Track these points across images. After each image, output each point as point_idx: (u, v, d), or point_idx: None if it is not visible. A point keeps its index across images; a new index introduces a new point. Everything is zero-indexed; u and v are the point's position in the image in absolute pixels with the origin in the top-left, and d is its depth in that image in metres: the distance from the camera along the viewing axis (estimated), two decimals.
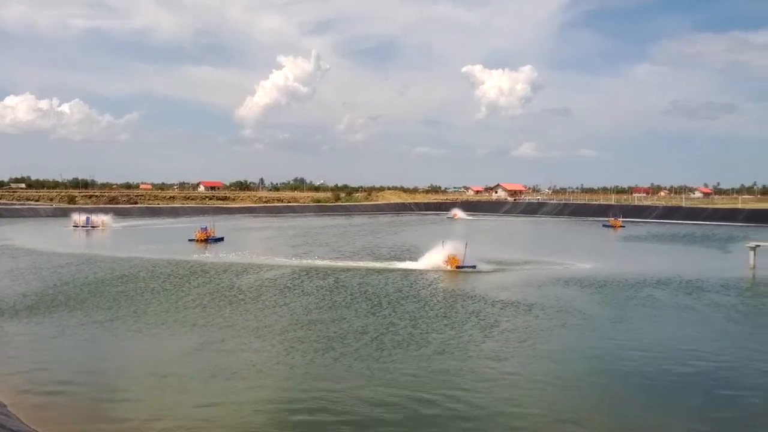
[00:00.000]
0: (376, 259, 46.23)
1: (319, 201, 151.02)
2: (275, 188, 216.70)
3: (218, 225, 71.89)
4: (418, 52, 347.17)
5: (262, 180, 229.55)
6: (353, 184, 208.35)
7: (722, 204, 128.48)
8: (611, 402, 16.13)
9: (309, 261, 44.09)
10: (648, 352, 20.70)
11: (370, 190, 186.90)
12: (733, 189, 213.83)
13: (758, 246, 43.09)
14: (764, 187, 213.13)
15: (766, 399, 16.20)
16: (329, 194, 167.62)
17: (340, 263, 42.96)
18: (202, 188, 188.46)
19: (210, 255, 48.99)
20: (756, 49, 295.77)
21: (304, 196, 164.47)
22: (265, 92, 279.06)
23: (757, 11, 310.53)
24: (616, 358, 20.16)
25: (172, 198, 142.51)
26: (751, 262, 41.94)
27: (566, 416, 14.94)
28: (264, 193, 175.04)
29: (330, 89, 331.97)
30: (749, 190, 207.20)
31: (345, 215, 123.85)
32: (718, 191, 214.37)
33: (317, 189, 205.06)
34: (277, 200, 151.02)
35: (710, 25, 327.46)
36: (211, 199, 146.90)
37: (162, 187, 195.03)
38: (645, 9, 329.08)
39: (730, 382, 17.64)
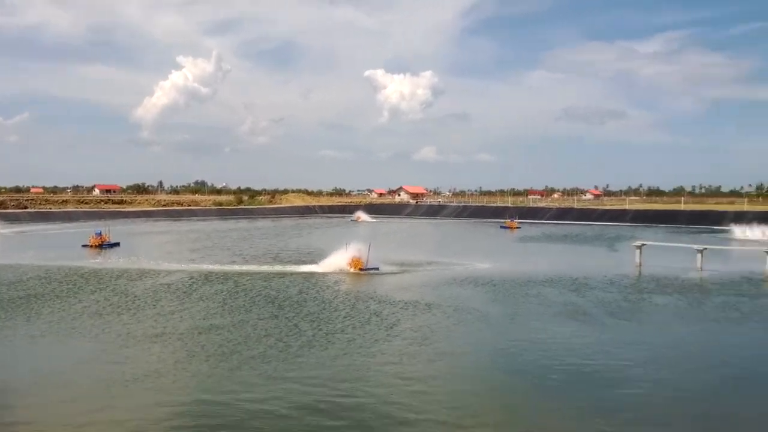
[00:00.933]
0: (280, 262, 46.09)
1: (220, 204, 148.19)
2: (175, 191, 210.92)
3: (114, 230, 69.35)
4: (320, 55, 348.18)
5: (161, 183, 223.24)
6: (256, 186, 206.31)
7: (611, 205, 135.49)
8: (509, 397, 16.90)
9: (210, 266, 43.39)
10: (539, 346, 21.80)
11: (274, 193, 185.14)
12: (621, 191, 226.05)
13: (643, 245, 45.94)
14: (649, 189, 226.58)
15: (642, 388, 17.39)
16: (231, 197, 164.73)
17: (242, 267, 42.56)
18: (97, 191, 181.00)
19: (105, 260, 47.38)
20: (642, 58, 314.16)
21: (206, 200, 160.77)
22: (163, 93, 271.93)
23: (642, 22, 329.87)
24: (511, 353, 21.14)
25: (65, 202, 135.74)
26: (637, 260, 44.62)
27: (467, 411, 15.58)
28: (163, 196, 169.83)
29: (231, 90, 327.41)
30: (636, 192, 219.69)
31: (248, 218, 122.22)
32: (608, 193, 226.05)
33: (219, 192, 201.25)
34: (177, 203, 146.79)
35: (599, 35, 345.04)
36: (106, 202, 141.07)
37: (54, 190, 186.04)
38: (538, 17, 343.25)
39: (611, 374, 18.86)
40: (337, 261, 41.34)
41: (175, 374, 18.31)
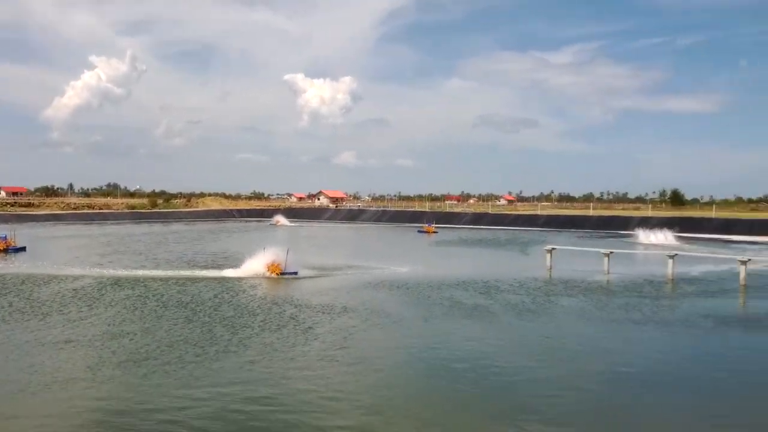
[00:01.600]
0: (196, 267, 45.27)
1: (134, 207, 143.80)
2: (86, 194, 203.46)
3: (20, 233, 66.28)
4: (238, 58, 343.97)
5: (71, 185, 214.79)
6: (172, 190, 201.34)
7: (524, 210, 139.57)
8: (422, 400, 17.25)
9: (122, 271, 42.17)
10: (450, 349, 22.42)
11: (190, 197, 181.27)
12: (533, 197, 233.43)
13: (554, 249, 47.66)
14: (560, 195, 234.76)
15: (547, 388, 18.19)
16: (145, 201, 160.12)
17: (156, 272, 41.59)
18: (2, 194, 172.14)
19: (9, 265, 45.31)
20: (554, 68, 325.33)
21: (118, 203, 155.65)
22: (75, 93, 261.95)
23: (553, 34, 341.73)
24: (424, 356, 21.66)
25: None
26: (548, 263, 46.26)
27: (382, 416, 15.88)
28: (73, 199, 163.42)
29: (147, 92, 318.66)
30: (547, 198, 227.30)
31: (163, 222, 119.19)
32: (521, 199, 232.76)
33: (132, 195, 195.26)
34: (88, 207, 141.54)
35: (512, 45, 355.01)
36: (12, 205, 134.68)
37: None
38: (454, 26, 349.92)
39: (518, 374, 19.60)
40: (255, 265, 40.99)
41: (86, 381, 17.86)
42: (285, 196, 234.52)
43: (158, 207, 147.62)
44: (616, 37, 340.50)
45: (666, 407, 16.51)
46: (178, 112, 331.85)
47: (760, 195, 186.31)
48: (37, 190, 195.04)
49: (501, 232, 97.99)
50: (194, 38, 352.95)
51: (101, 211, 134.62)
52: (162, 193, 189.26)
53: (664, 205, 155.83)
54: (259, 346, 22.08)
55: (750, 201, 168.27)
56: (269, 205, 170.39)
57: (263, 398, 16.62)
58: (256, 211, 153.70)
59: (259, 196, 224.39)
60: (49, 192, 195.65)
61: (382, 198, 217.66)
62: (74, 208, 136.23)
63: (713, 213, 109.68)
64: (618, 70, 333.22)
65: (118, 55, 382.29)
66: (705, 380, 19.38)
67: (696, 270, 45.11)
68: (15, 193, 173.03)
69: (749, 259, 40.33)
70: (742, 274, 38.57)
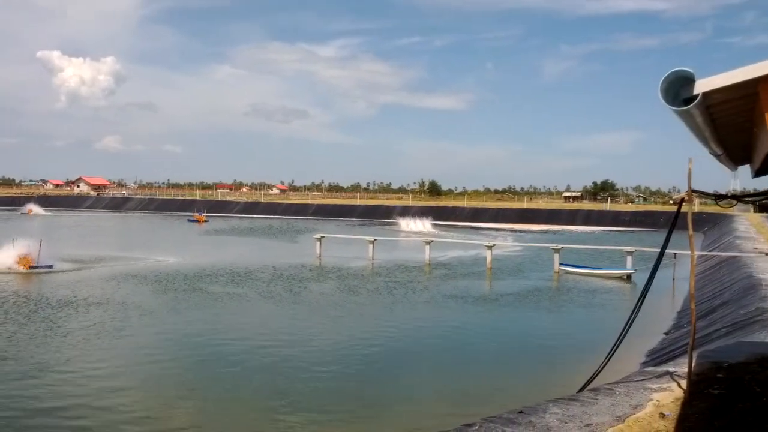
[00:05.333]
0: None
1: None
2: None
3: None
4: None
5: None
6: None
7: (296, 200, 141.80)
8: (176, 390, 17.03)
9: None
10: (224, 339, 22.60)
11: None
12: (305, 186, 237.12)
13: (323, 237, 49.37)
14: (330, 185, 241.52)
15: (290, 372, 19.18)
16: None
17: None
18: None
19: None
20: (321, 61, 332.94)
21: None
22: None
23: (320, 27, 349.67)
24: (197, 345, 21.61)
25: None
26: (318, 251, 47.82)
27: (146, 407, 15.69)
28: None
29: None
30: (318, 188, 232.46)
31: None
32: (293, 188, 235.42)
33: None
34: None
35: (281, 36, 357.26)
36: None
37: None
38: (220, 12, 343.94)
39: (291, 359, 20.36)
40: (3, 259, 37.45)
41: None
42: (39, 183, 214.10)
43: None
44: (380, 35, 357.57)
45: (399, 375, 18.32)
46: None
47: (505, 186, 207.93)
48: None
49: (273, 220, 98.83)
50: None
51: None
52: None
53: (423, 195, 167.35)
54: (3, 348, 20.43)
55: (496, 192, 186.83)
56: (20, 193, 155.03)
57: (7, 406, 15.56)
58: (5, 198, 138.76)
59: (8, 183, 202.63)
60: None
61: (149, 186, 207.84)
62: None
63: (465, 203, 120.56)
64: (381, 67, 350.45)
65: None
66: (439, 350, 21.65)
67: (450, 255, 49.51)
68: None
69: (494, 245, 45.23)
70: (489, 258, 43.11)
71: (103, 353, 20.26)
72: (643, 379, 10.16)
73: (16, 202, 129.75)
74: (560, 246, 43.34)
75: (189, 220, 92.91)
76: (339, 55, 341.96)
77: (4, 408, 14.99)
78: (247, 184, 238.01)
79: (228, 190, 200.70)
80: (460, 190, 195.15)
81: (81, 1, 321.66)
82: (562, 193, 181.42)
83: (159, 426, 14.37)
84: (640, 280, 34.67)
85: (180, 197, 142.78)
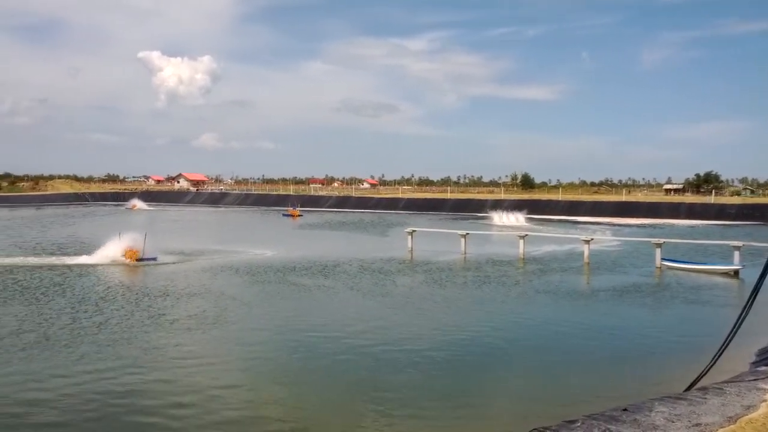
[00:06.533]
0: (47, 253, 42.88)
1: None
2: None
3: None
4: (87, 32, 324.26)
5: None
6: (17, 172, 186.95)
7: (386, 194, 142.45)
8: (293, 380, 17.42)
9: None
10: (317, 331, 22.93)
11: (38, 179, 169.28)
12: (395, 180, 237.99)
13: (414, 231, 49.39)
14: (420, 179, 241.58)
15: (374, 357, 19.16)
16: None
17: (2, 260, 38.91)
18: None
19: None
20: (410, 55, 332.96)
21: None
22: None
23: (409, 21, 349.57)
24: (291, 337, 22.05)
25: None
26: (409, 245, 47.87)
27: (242, 396, 16.12)
28: None
29: None
30: (408, 182, 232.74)
31: (8, 207, 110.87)
32: (383, 182, 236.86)
33: None
34: None
35: (371, 31, 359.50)
36: None
37: None
38: (313, 9, 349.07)
39: (381, 351, 20.43)
40: (111, 252, 39.43)
41: None
42: (142, 179, 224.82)
43: (2, 191, 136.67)
44: (470, 26, 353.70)
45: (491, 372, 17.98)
46: (21, 89, 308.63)
47: (602, 179, 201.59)
48: None
49: (365, 215, 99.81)
50: (35, 10, 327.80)
51: None
52: (6, 176, 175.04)
53: (515, 188, 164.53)
54: (112, 333, 21.48)
55: (592, 184, 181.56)
56: (125, 189, 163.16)
57: (118, 385, 16.33)
58: (111, 194, 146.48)
59: (113, 179, 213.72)
60: None
61: (245, 181, 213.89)
62: None
63: (560, 196, 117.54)
64: (471, 59, 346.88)
65: None
66: (532, 346, 21.13)
67: (544, 249, 48.47)
68: None
69: (592, 239, 43.94)
70: (586, 253, 41.92)
71: (202, 342, 21.03)
72: (755, 379, 9.56)
73: (121, 197, 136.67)
74: (662, 240, 41.59)
75: (283, 215, 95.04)
76: (429, 48, 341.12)
77: (111, 391, 15.79)
78: (338, 179, 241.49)
79: (320, 185, 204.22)
80: (554, 182, 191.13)
81: (179, 2, 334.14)
82: (662, 185, 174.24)
83: (254, 414, 14.72)
84: (749, 276, 32.80)
85: (274, 192, 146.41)
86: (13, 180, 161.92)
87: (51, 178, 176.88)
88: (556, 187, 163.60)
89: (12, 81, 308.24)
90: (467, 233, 47.83)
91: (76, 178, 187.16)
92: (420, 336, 22.02)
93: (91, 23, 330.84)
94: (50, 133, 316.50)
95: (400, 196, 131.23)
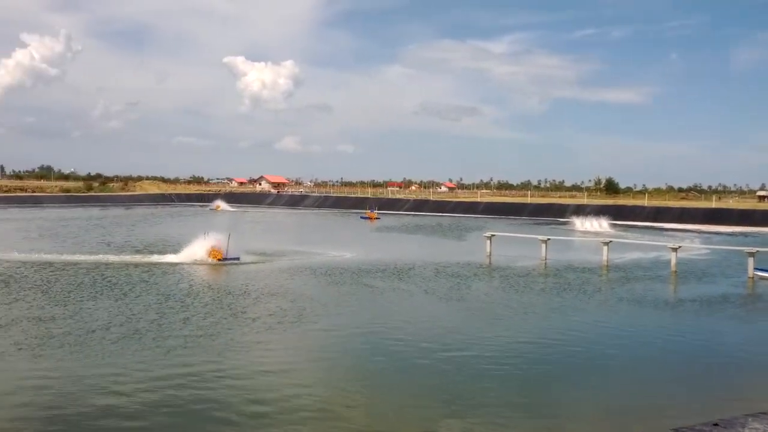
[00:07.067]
0: (135, 252, 44.68)
1: (69, 191, 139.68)
2: (18, 176, 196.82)
3: None
4: (175, 39, 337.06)
5: (2, 167, 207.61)
6: (108, 173, 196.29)
7: (464, 198, 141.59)
8: (368, 383, 17.61)
9: (60, 255, 41.14)
10: (392, 333, 22.96)
11: (127, 180, 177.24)
12: (474, 184, 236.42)
13: (493, 235, 48.78)
14: (499, 182, 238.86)
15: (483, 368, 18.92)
16: (81, 184, 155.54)
17: (94, 257, 40.78)
18: None
19: None
20: (492, 57, 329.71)
21: (52, 186, 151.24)
22: (7, 72, 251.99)
23: (492, 23, 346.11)
24: (367, 339, 22.16)
25: None
26: (488, 249, 47.33)
27: (327, 395, 16.28)
28: (4, 182, 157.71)
29: (82, 72, 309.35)
30: (487, 186, 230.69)
31: (99, 206, 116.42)
32: (461, 186, 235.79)
33: (66, 178, 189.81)
34: (20, 189, 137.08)
35: (452, 33, 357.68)
36: None
37: None
38: (393, 13, 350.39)
39: (466, 354, 20.23)
40: (195, 251, 40.62)
41: (21, 368, 17.71)
42: (225, 181, 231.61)
43: (94, 190, 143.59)
44: (553, 28, 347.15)
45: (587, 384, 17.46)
46: (114, 94, 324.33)
47: (690, 184, 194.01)
48: None
49: (442, 218, 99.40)
50: (129, 17, 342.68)
51: (34, 194, 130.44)
52: (98, 177, 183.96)
53: (598, 193, 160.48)
54: (197, 329, 22.12)
55: (680, 190, 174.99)
56: (209, 190, 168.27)
57: (200, 379, 16.81)
58: (196, 195, 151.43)
59: (198, 181, 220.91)
60: None
61: (324, 184, 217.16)
62: (6, 191, 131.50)
63: (645, 201, 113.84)
64: (554, 61, 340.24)
65: (51, 34, 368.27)
66: (623, 357, 20.44)
67: (628, 256, 46.94)
68: None
69: (680, 246, 42.30)
70: (673, 261, 40.36)
71: (282, 341, 21.42)
72: None
73: (205, 198, 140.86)
74: (755, 249, 39.59)
75: (361, 217, 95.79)
76: (511, 51, 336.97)
77: (194, 384, 16.28)
78: (416, 182, 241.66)
79: (397, 188, 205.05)
80: (639, 188, 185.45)
81: (262, 7, 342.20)
82: (755, 191, 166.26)
83: (329, 414, 14.85)
84: None
85: (353, 195, 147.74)
86: (104, 180, 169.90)
87: (139, 179, 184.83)
88: (641, 192, 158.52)
89: (105, 86, 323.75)
90: (548, 238, 46.89)
91: (163, 180, 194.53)
92: (496, 343, 21.67)
93: (179, 29, 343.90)
94: (139, 136, 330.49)
95: (478, 199, 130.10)
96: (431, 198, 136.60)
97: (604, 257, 43.09)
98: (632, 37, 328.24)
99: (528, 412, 15.32)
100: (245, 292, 29.86)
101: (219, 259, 39.53)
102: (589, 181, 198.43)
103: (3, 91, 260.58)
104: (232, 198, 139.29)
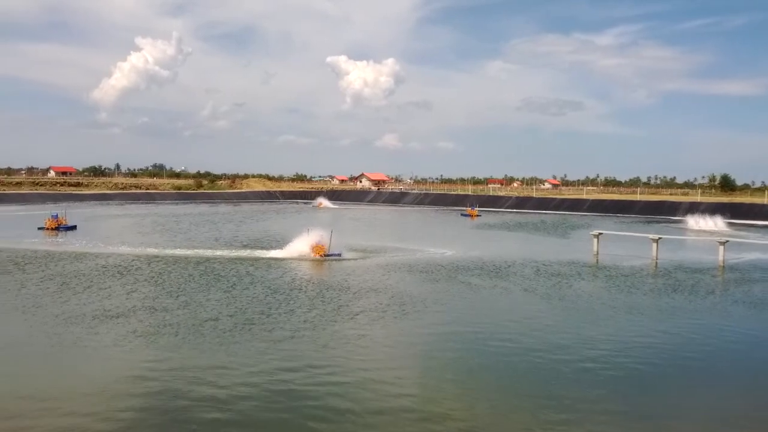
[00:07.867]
0: (243, 247, 46.26)
1: (180, 188, 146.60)
2: (133, 174, 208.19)
3: (71, 212, 68.62)
4: (279, 40, 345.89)
5: (118, 165, 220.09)
6: (216, 171, 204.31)
7: (569, 195, 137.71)
8: (465, 383, 17.46)
9: (173, 250, 43.41)
10: (490, 332, 22.72)
11: (234, 178, 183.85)
12: (578, 180, 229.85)
13: (601, 234, 47.19)
14: (606, 179, 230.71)
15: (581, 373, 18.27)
16: (191, 181, 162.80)
17: (207, 252, 42.60)
18: (52, 173, 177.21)
19: (63, 243, 46.96)
20: (598, 50, 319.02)
21: (164, 183, 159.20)
22: (122, 74, 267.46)
23: (597, 16, 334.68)
24: (465, 337, 22.03)
25: (19, 184, 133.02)
26: (595, 248, 45.82)
27: (423, 391, 16.26)
28: (120, 179, 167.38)
29: (192, 74, 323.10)
30: (593, 182, 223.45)
31: (208, 203, 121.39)
32: (566, 183, 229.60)
33: (178, 176, 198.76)
34: (135, 187, 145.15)
35: (556, 27, 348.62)
36: (62, 185, 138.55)
37: (8, 172, 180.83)
38: (496, 8, 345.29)
39: (571, 356, 19.67)
40: (300, 247, 41.66)
41: (136, 352, 18.67)
42: (327, 178, 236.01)
43: (203, 188, 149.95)
44: (662, 19, 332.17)
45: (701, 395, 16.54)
46: (222, 95, 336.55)
47: None
48: (85, 170, 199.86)
49: (546, 216, 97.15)
50: (236, 20, 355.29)
51: (148, 191, 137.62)
52: (207, 175, 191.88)
53: (713, 190, 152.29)
54: (303, 321, 22.65)
55: None
56: (312, 187, 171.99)
57: (305, 366, 17.16)
58: (299, 192, 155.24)
59: (301, 178, 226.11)
60: (96, 172, 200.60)
61: (424, 181, 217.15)
62: (122, 188, 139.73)
63: (765, 199, 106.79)
64: (663, 53, 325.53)
65: (164, 37, 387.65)
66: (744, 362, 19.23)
67: (746, 257, 44.20)
68: (64, 173, 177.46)
69: None
70: None
71: (381, 336, 21.65)
72: None
73: (308, 195, 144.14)
74: None
75: (462, 215, 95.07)
76: (617, 43, 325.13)
77: (300, 372, 16.65)
78: (518, 179, 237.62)
79: (499, 185, 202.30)
80: (758, 184, 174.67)
81: (364, 8, 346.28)
82: None
83: (425, 408, 14.91)
84: None
85: (453, 192, 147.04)
86: (212, 178, 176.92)
87: (246, 176, 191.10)
88: (760, 189, 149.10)
89: (214, 87, 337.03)
90: (659, 237, 44.83)
91: (268, 177, 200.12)
92: (597, 345, 20.92)
93: (283, 30, 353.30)
94: (245, 135, 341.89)
95: (584, 196, 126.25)
96: (534, 195, 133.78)
97: (720, 257, 40.79)
98: (749, 26, 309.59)
99: (628, 418, 14.73)
100: (347, 287, 30.29)
101: (322, 255, 40.28)
102: (703, 177, 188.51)
103: (120, 93, 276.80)
104: (333, 195, 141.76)
